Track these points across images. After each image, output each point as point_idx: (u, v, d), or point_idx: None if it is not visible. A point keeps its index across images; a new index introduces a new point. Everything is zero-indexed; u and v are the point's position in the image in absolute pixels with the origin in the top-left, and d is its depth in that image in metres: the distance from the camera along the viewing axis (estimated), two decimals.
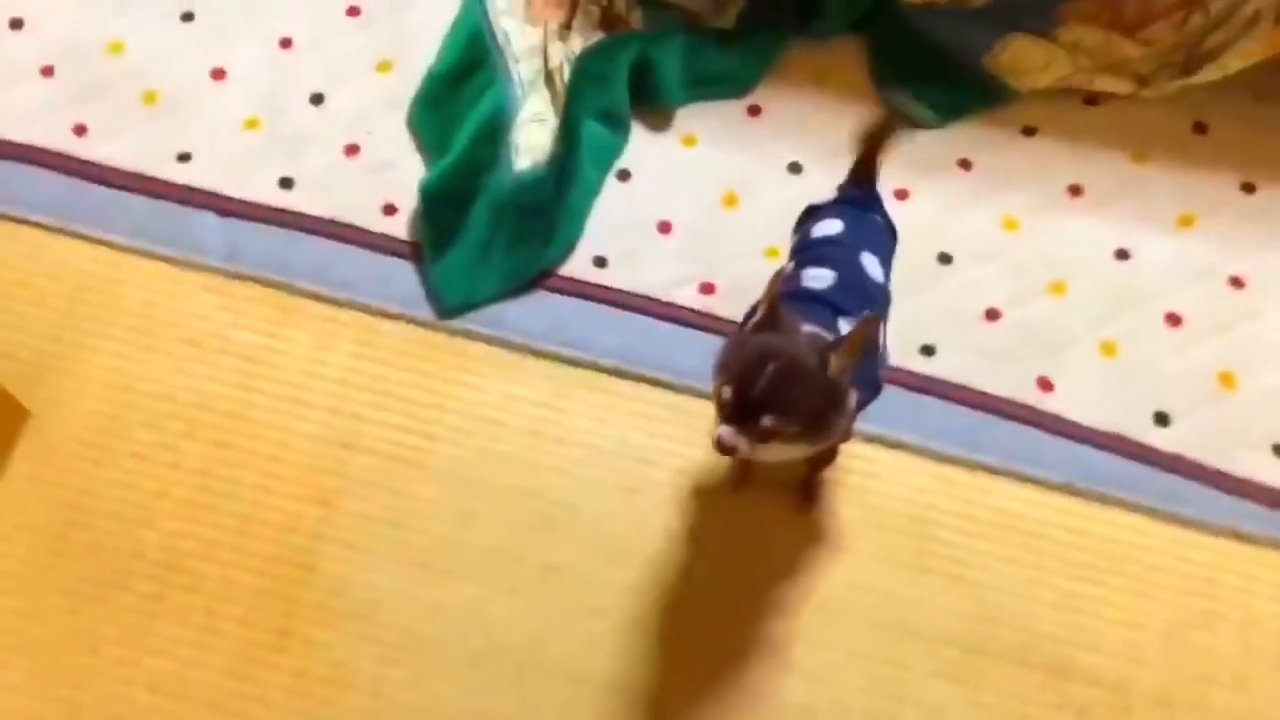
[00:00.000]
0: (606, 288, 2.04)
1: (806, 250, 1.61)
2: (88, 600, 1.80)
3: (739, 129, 2.19)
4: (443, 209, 2.02)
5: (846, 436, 1.66)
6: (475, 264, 2.00)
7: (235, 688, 1.75)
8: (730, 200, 2.12)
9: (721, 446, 1.36)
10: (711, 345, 1.95)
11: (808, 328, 1.42)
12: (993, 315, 2.03)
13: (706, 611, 1.82)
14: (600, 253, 2.07)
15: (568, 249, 2.05)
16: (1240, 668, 1.80)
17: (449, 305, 1.99)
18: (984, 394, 1.96)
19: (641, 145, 2.17)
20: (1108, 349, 2.01)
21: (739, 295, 2.02)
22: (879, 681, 1.77)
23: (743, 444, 1.35)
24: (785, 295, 1.48)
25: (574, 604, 1.81)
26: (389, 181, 2.11)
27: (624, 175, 2.14)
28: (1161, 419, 1.95)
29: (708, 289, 2.04)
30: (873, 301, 1.54)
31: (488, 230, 2.00)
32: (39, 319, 1.99)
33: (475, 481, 1.90)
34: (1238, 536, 1.88)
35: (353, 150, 2.14)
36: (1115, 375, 1.99)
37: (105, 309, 2.01)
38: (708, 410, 1.89)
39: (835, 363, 1.36)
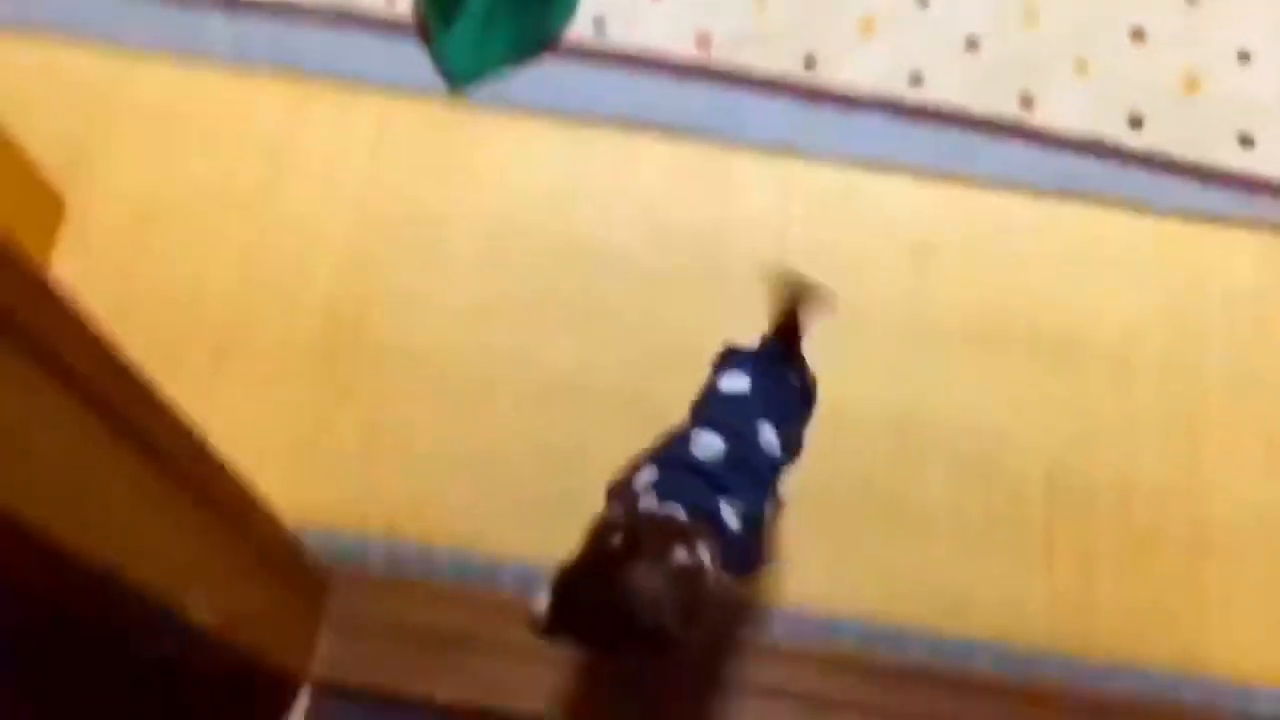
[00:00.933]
0: (607, 50, 2.13)
1: (706, 408, 1.50)
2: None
3: None
4: None
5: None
6: (481, 35, 2.07)
7: (311, 438, 1.85)
8: None
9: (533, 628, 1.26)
10: (712, 94, 2.11)
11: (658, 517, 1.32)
12: (973, 44, 2.16)
13: None
14: (599, 13, 2.15)
15: (570, 13, 2.13)
16: (1227, 333, 1.98)
17: (459, 78, 2.06)
18: (971, 114, 2.10)
19: None
20: (1080, 65, 2.15)
21: (734, 45, 2.13)
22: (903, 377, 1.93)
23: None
24: (666, 461, 1.43)
25: (619, 335, 1.93)
26: None
27: None
28: (1135, 122, 2.11)
29: (704, 41, 2.14)
30: (758, 478, 1.44)
31: (490, 1, 2.07)
32: (61, 127, 2.02)
33: (510, 238, 1.99)
34: (1212, 220, 2.05)
35: None
36: (1090, 89, 2.14)
37: (125, 113, 2.05)
38: (720, 157, 2.05)
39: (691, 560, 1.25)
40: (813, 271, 1.95)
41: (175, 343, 1.90)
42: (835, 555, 1.80)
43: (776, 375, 1.50)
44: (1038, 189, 2.06)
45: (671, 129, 2.07)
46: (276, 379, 1.89)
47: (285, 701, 1.69)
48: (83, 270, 1.93)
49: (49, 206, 1.93)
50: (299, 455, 1.84)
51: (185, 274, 1.95)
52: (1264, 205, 2.06)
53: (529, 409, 1.87)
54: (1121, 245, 2.04)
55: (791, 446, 1.50)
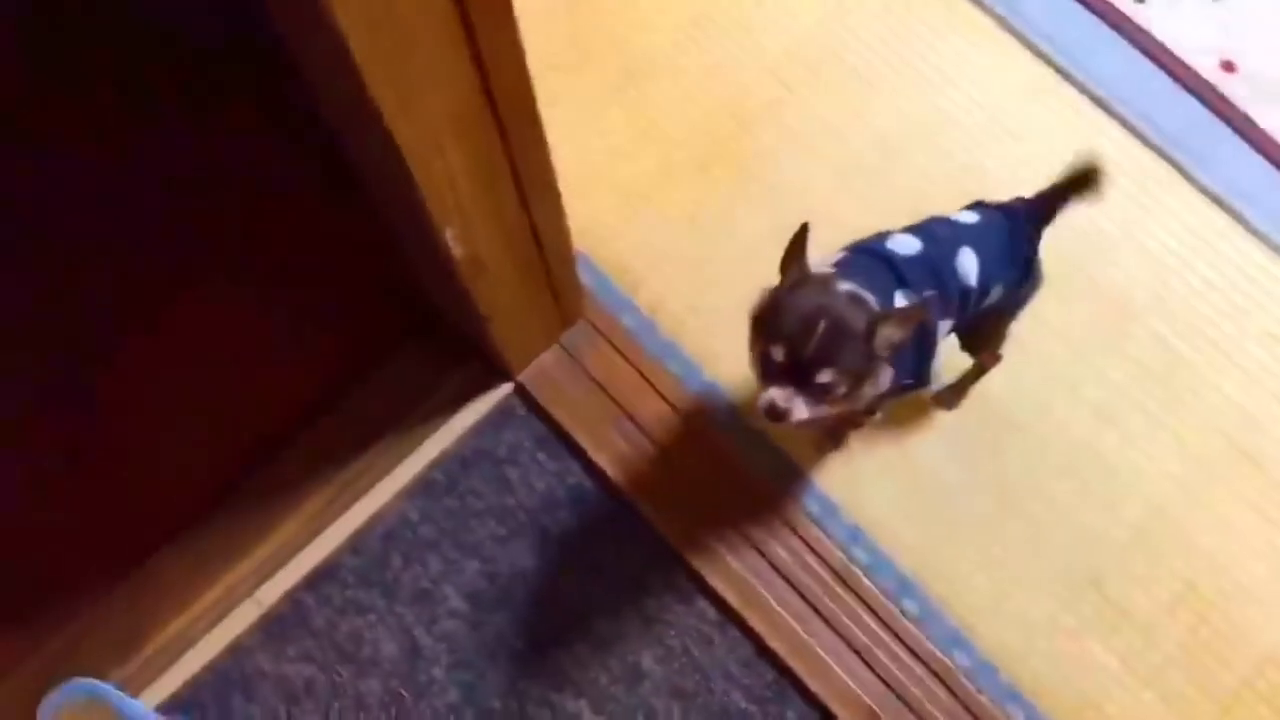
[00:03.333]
0: (1133, 22, 1.98)
1: (925, 220, 1.49)
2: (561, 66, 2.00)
3: None
4: None
5: (872, 411, 1.59)
6: None
7: (644, 193, 1.92)
8: None
9: (773, 412, 1.30)
10: (1203, 117, 1.94)
11: (845, 286, 1.33)
12: None
13: None
14: None
15: None
16: None
17: None
18: None
19: None
20: None
21: (1257, 86, 1.93)
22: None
23: (798, 406, 1.30)
24: (860, 248, 1.43)
25: None
26: None
27: None
28: None
29: (1228, 66, 1.95)
30: (944, 289, 1.41)
31: None
32: None
33: (923, 134, 1.94)
34: None
35: None
36: None
37: None
38: (1162, 172, 1.89)
39: (881, 333, 1.29)
40: (1181, 332, 1.82)
41: (598, 48, 2.00)
42: (1006, 584, 1.70)
43: (1009, 228, 1.48)
44: None
45: (1136, 126, 1.92)
46: (654, 127, 1.96)
47: (486, 385, 1.82)
48: None
49: None
50: (624, 199, 1.92)
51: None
52: None
53: None
54: None
55: (989, 297, 1.48)
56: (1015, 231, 1.48)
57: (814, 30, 2.01)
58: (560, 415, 1.78)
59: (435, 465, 1.76)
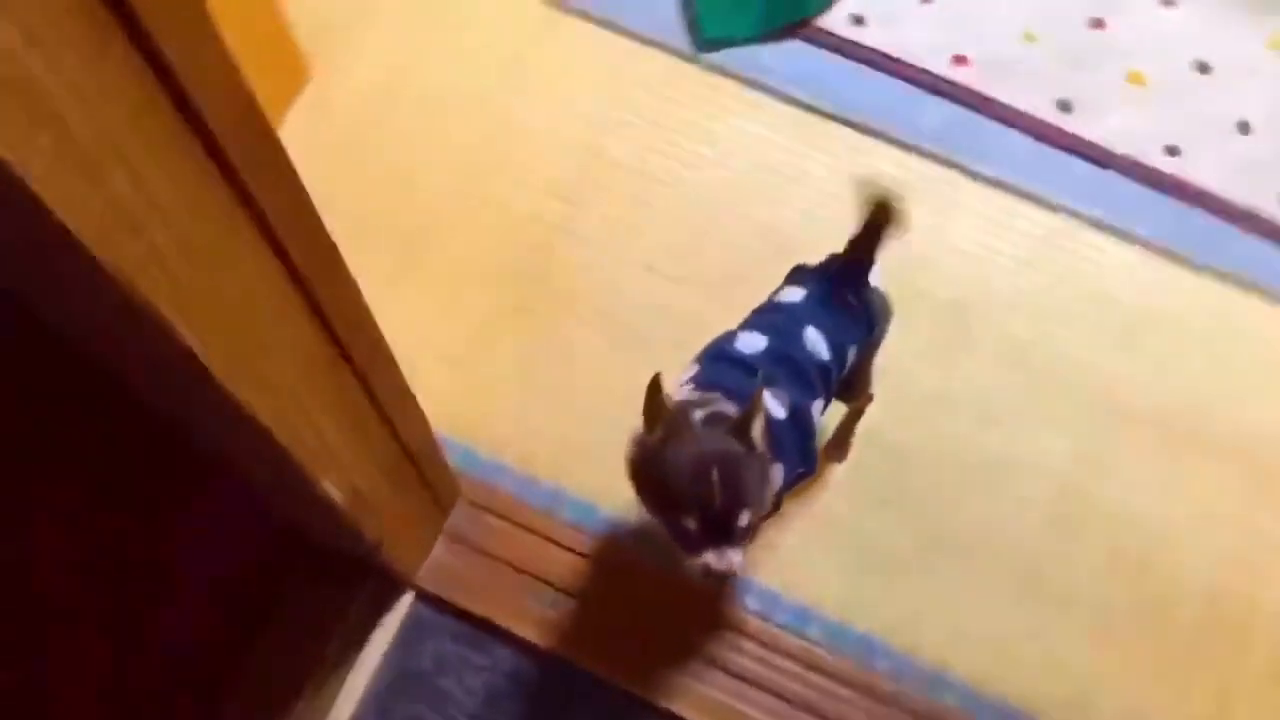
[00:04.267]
0: (861, 45, 2.07)
1: (757, 312, 1.51)
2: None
3: None
4: None
5: (777, 507, 1.54)
6: (736, 3, 2.04)
7: (473, 353, 1.87)
8: None
9: (711, 573, 1.25)
10: (956, 113, 2.03)
11: (698, 414, 1.31)
12: (1244, 129, 2.02)
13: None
14: (859, 11, 2.09)
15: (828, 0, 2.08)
16: None
17: (707, 38, 2.04)
18: (1226, 201, 1.96)
19: None
20: None
21: (991, 70, 2.05)
22: (1081, 446, 1.83)
23: (731, 557, 1.25)
24: (711, 355, 1.44)
25: None
26: None
27: None
28: None
29: (960, 60, 2.06)
30: (803, 377, 1.41)
31: None
32: None
33: (713, 205, 1.97)
34: None
35: None
36: None
37: None
38: (943, 176, 1.97)
39: (754, 433, 1.27)
40: (1017, 316, 1.89)
41: (374, 227, 1.94)
42: (959, 609, 1.72)
43: (834, 291, 1.48)
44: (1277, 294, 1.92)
45: (904, 140, 2.00)
46: (456, 286, 1.91)
47: (388, 600, 1.71)
48: (308, 135, 1.99)
49: (294, 69, 1.99)
50: (457, 366, 1.86)
51: (403, 162, 1.99)
52: None
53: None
54: None
55: (846, 363, 1.48)
56: (839, 293, 1.49)
57: (577, 141, 2.02)
58: (472, 604, 1.69)
59: (365, 703, 1.64)
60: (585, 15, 2.09)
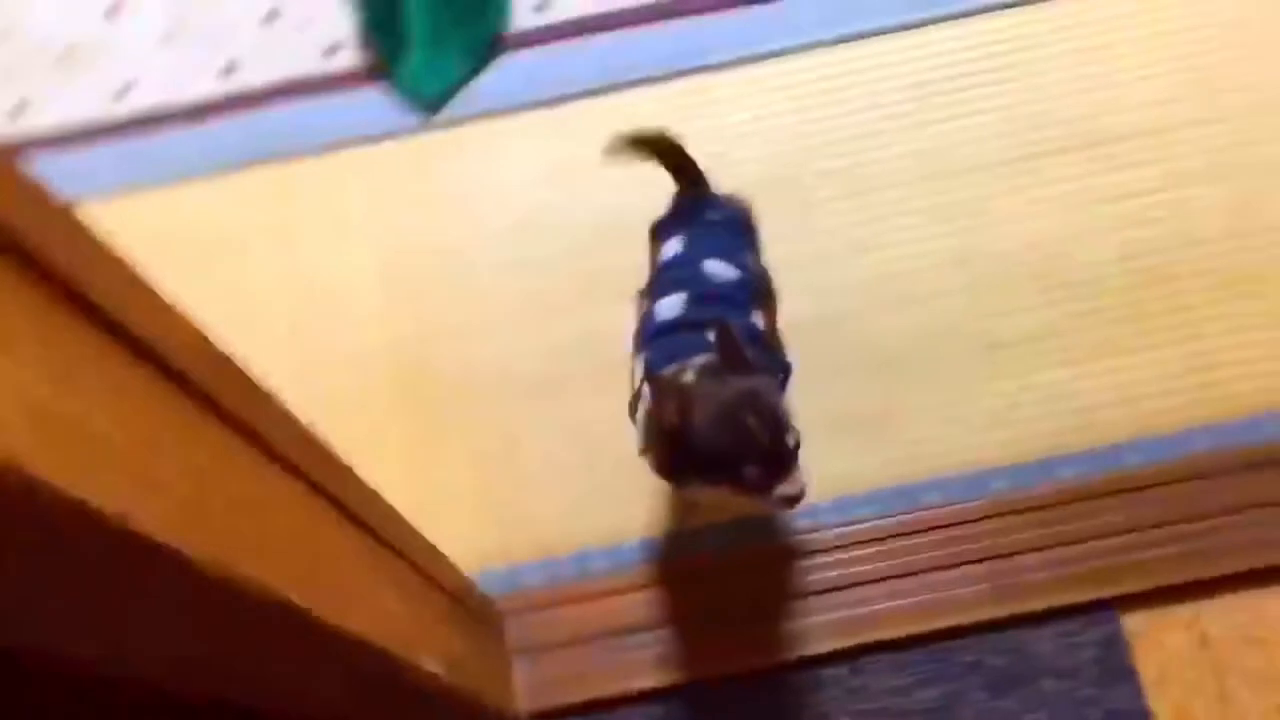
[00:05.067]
0: (556, 25, 2.12)
1: (655, 282, 1.55)
2: None
3: None
4: (383, 15, 2.09)
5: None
6: (434, 55, 2.06)
7: (424, 488, 1.83)
8: None
9: (790, 499, 1.28)
10: (675, 29, 2.10)
11: (689, 375, 1.33)
12: None
13: None
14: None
15: (508, 5, 2.12)
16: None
17: (429, 102, 2.06)
18: None
19: None
20: None
21: None
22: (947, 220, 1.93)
23: (800, 477, 1.28)
24: (647, 337, 1.46)
25: None
26: (321, 28, 2.17)
27: None
28: None
29: None
30: (730, 302, 1.46)
31: (431, 17, 2.07)
32: None
33: (533, 232, 1.99)
34: None
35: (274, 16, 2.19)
36: None
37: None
38: (704, 85, 2.04)
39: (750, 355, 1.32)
40: (822, 152, 1.98)
41: None
42: (953, 410, 1.80)
43: (698, 219, 1.54)
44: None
45: (648, 78, 2.06)
46: (369, 441, 1.86)
47: None
48: None
49: None
50: (421, 505, 1.81)
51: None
52: None
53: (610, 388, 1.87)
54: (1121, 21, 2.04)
55: (751, 270, 1.52)
56: (702, 219, 1.55)
57: (378, 260, 2.00)
58: (579, 694, 1.68)
59: None
60: (307, 154, 2.07)
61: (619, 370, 1.68)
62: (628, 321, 1.60)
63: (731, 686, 1.66)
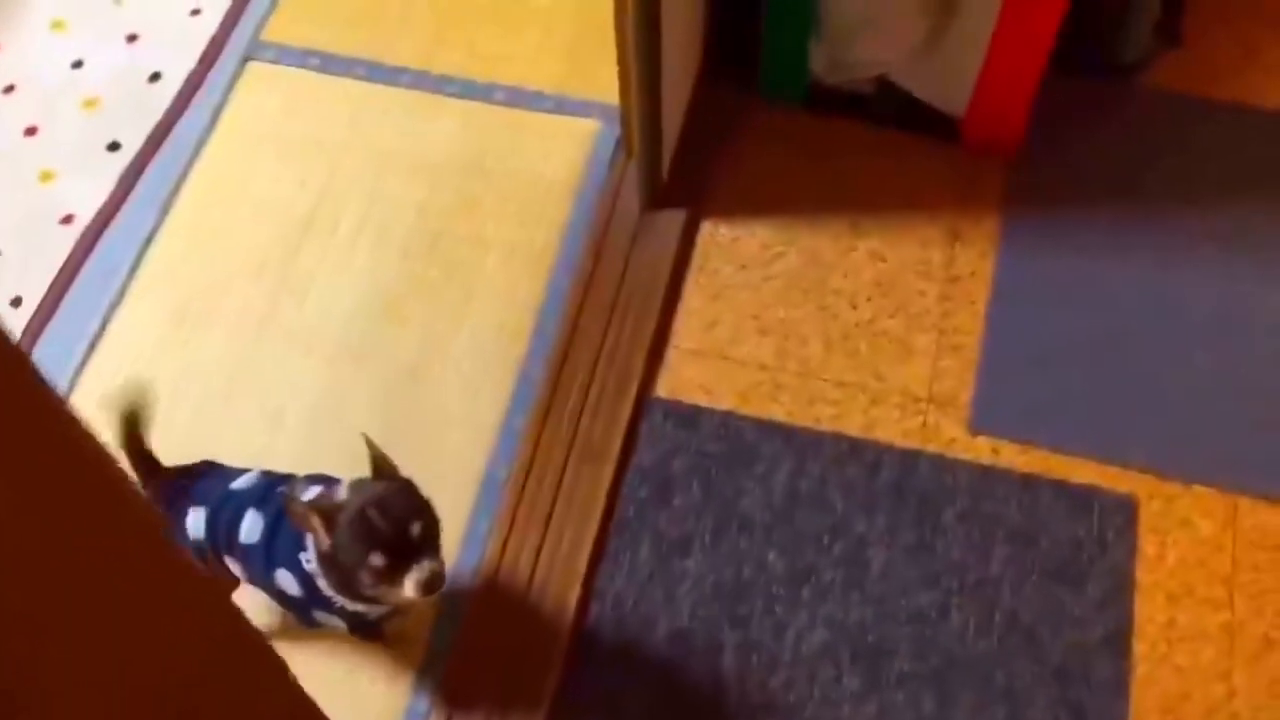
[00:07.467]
0: None
1: (203, 498, 1.51)
2: None
3: None
4: None
5: None
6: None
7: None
8: None
9: (434, 585, 1.32)
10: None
11: (307, 495, 1.40)
12: None
13: None
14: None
15: None
16: None
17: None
18: None
19: None
20: None
21: None
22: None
23: (432, 566, 1.33)
24: (228, 506, 1.47)
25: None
26: None
27: None
28: None
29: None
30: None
31: None
32: None
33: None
34: None
35: None
36: None
37: None
38: None
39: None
40: None
41: None
42: None
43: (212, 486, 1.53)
44: None
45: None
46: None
47: None
48: None
49: None
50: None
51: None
52: None
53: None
54: None
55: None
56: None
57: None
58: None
59: None
60: None
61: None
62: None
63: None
